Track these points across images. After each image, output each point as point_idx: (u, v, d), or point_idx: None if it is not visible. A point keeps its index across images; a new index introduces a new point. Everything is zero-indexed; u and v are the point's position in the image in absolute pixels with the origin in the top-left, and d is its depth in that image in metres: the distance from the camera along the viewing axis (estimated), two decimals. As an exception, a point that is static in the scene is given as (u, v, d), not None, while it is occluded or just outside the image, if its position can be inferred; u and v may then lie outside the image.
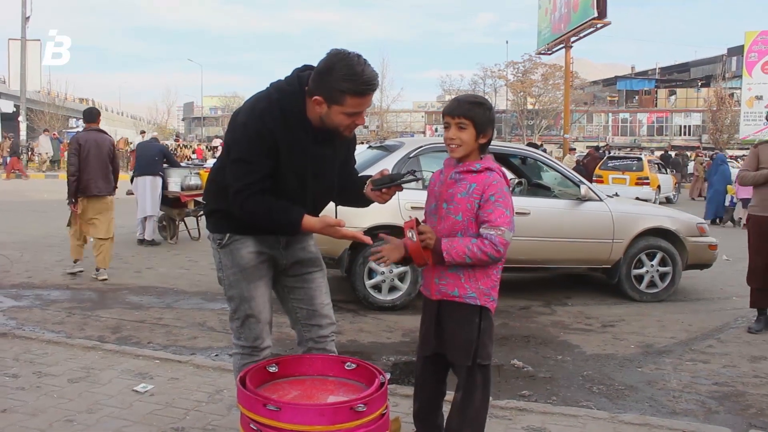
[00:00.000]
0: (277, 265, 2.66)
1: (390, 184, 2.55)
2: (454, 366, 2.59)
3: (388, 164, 6.07)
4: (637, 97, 61.78)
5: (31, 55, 30.62)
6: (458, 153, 2.53)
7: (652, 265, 6.56)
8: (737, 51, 52.02)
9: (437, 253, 2.44)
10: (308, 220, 2.46)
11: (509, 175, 7.41)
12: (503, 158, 7.24)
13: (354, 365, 2.39)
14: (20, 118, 30.61)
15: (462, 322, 2.52)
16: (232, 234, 2.57)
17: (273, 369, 2.37)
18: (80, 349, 4.27)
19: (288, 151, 2.43)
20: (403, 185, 2.55)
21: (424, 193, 6.29)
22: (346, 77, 2.30)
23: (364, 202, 2.67)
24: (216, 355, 4.57)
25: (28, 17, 29.85)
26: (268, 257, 2.62)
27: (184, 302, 6.17)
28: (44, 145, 29.55)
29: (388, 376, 2.30)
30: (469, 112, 2.49)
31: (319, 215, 2.56)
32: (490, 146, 2.60)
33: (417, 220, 2.51)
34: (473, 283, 2.49)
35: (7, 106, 45.19)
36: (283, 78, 2.51)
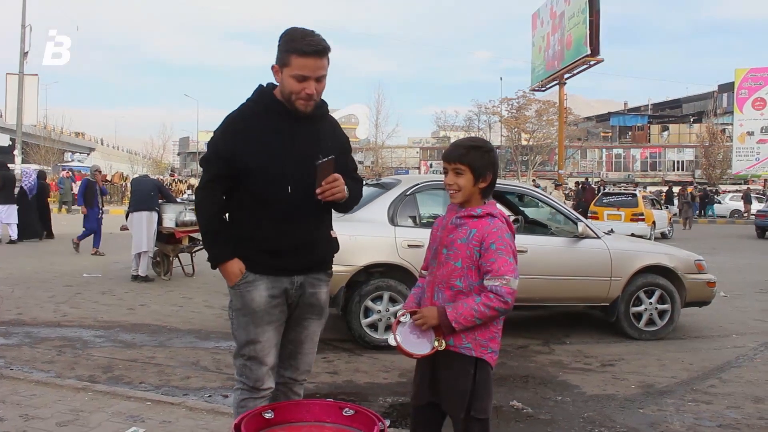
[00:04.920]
0: (289, 305, 2.64)
1: (320, 180, 2.48)
2: (450, 416, 2.51)
3: (385, 201, 6.05)
4: (630, 133, 62.39)
5: (29, 90, 30.81)
6: (458, 199, 2.49)
7: (651, 303, 6.50)
8: (728, 87, 52.81)
9: (446, 326, 2.37)
10: (231, 267, 2.56)
11: (505, 212, 7.39)
12: (499, 195, 7.24)
13: (352, 411, 2.31)
14: (15, 152, 30.66)
15: (456, 372, 2.43)
16: (244, 274, 2.57)
17: (269, 415, 2.30)
18: (69, 390, 4.17)
19: (262, 138, 2.53)
20: (328, 170, 2.48)
21: (419, 231, 6.28)
22: (290, 39, 2.46)
23: (340, 206, 2.66)
24: (209, 396, 4.47)
25: (27, 52, 30.11)
26: (282, 300, 2.60)
27: (177, 340, 6.07)
28: None
29: (387, 423, 2.23)
30: (465, 157, 2.45)
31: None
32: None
33: (404, 314, 2.47)
34: (470, 333, 2.41)
35: (3, 140, 45.32)
36: None
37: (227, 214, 2.66)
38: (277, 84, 2.57)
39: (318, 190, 2.49)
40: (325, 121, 2.68)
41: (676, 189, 31.39)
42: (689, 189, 31.70)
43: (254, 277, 2.56)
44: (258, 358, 2.58)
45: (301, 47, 2.42)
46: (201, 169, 2.73)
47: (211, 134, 2.75)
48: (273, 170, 2.51)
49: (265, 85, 2.63)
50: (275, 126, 2.55)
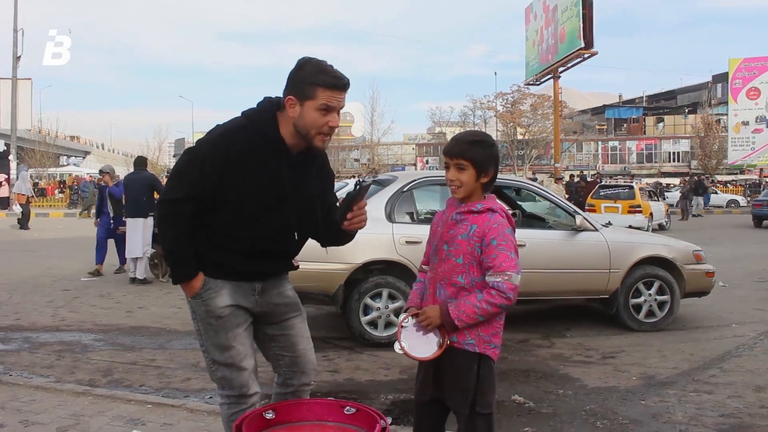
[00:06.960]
0: (252, 313, 2.56)
1: (351, 205, 2.40)
2: (454, 412, 2.50)
3: (382, 198, 6.04)
4: (625, 125, 62.44)
5: (23, 94, 30.75)
6: (459, 194, 2.46)
7: (650, 294, 6.50)
8: (722, 78, 52.94)
9: (449, 324, 2.36)
10: (194, 282, 2.43)
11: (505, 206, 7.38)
12: (496, 190, 7.23)
13: (354, 410, 2.30)
14: (11, 157, 30.60)
15: (460, 368, 2.42)
16: (204, 280, 2.46)
17: (269, 415, 2.28)
18: (69, 395, 4.15)
19: (252, 175, 2.37)
20: (364, 195, 2.41)
21: (417, 227, 6.26)
22: (316, 71, 2.33)
23: (347, 237, 2.60)
24: (210, 398, 4.44)
25: (19, 56, 30.06)
26: (244, 303, 2.52)
27: (176, 342, 6.05)
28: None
29: (389, 420, 2.21)
30: (467, 153, 2.42)
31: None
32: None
33: (406, 318, 2.45)
34: (473, 329, 2.39)
35: (-2, 145, 45.21)
36: (255, 105, 2.48)
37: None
38: (283, 107, 2.39)
39: (348, 215, 2.39)
40: (318, 158, 2.54)
41: (675, 180, 31.00)
42: (700, 178, 31.42)
43: (215, 282, 2.46)
44: (235, 364, 2.50)
45: (331, 81, 2.32)
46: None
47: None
48: (247, 212, 2.40)
49: (272, 99, 2.45)
50: (269, 163, 2.39)
